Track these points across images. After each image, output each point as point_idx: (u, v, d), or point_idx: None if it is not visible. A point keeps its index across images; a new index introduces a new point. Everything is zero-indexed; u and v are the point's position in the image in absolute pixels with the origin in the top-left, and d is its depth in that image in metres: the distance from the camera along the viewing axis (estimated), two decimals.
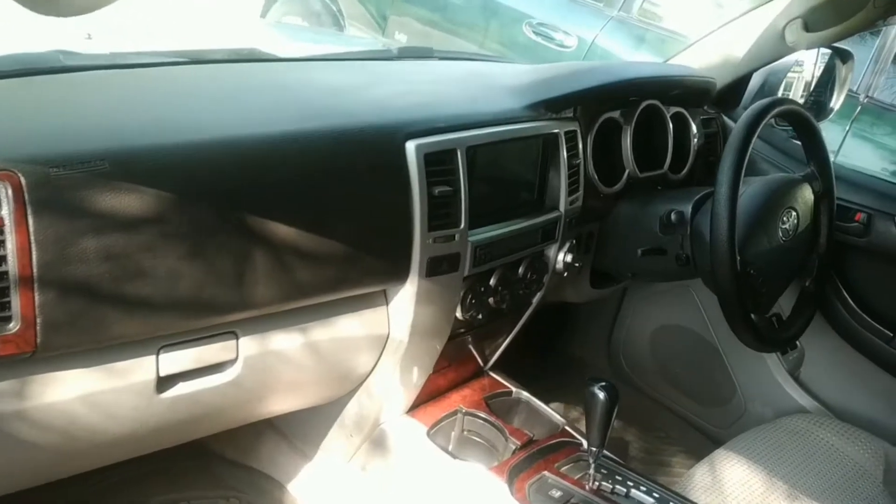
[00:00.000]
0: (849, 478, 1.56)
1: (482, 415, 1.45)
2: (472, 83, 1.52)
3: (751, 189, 1.50)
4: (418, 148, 1.15)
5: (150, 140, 0.92)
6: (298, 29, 3.64)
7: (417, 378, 1.37)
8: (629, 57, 3.47)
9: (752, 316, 1.45)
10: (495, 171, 1.32)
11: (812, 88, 2.13)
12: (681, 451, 2.08)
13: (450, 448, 1.42)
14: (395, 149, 1.14)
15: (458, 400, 1.49)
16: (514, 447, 1.39)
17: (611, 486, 1.31)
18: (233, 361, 1.07)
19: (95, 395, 0.94)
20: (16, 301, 0.82)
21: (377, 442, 1.41)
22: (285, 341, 1.12)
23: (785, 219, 1.50)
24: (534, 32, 3.65)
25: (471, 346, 1.53)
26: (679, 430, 2.14)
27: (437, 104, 1.26)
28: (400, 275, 1.19)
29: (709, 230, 1.42)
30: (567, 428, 1.48)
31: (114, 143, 0.89)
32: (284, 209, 1.02)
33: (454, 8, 4.13)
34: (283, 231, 1.02)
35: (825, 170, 1.59)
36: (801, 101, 2.09)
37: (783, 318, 1.61)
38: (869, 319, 1.80)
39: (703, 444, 1.98)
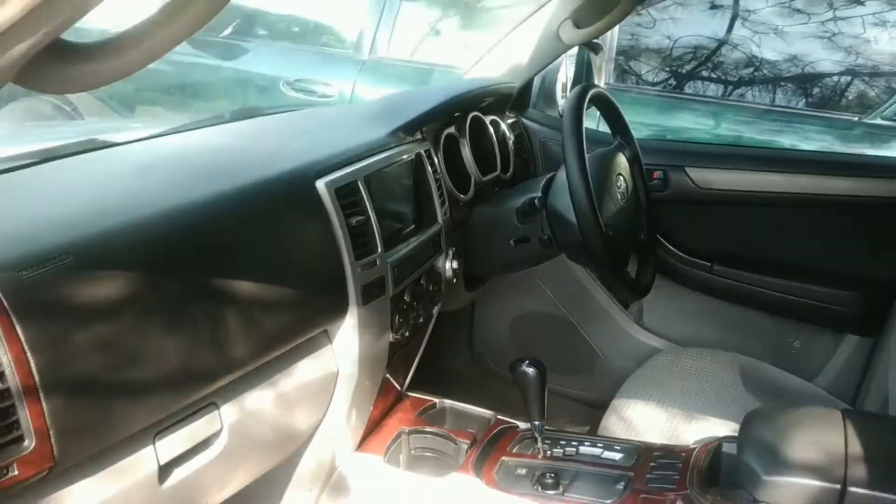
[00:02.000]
0: (717, 389, 1.81)
1: (425, 429, 1.50)
2: (334, 124, 1.59)
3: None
4: (328, 184, 1.20)
5: (102, 224, 0.89)
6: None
7: (366, 410, 1.39)
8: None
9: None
10: (385, 196, 1.40)
11: (572, 82, 2.44)
12: (570, 423, 2.26)
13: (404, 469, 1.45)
14: (308, 189, 1.18)
15: (395, 425, 1.53)
16: (465, 447, 1.46)
17: (561, 451, 1.44)
18: (218, 433, 1.04)
19: (109, 502, 0.88)
20: (24, 416, 0.75)
21: (337, 486, 1.41)
22: (258, 400, 1.10)
23: (618, 184, 1.73)
24: (293, 89, 3.74)
25: (388, 375, 1.58)
26: (560, 407, 2.32)
27: (324, 145, 1.32)
28: (341, 307, 1.22)
29: (564, 208, 1.61)
30: (499, 417, 1.58)
31: (70, 235, 0.85)
32: (235, 267, 1.03)
33: (204, 86, 4.10)
34: (239, 288, 1.02)
35: (629, 139, 1.87)
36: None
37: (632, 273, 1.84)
38: (688, 257, 2.12)
39: (588, 411, 2.17)
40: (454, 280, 1.63)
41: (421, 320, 1.49)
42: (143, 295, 0.89)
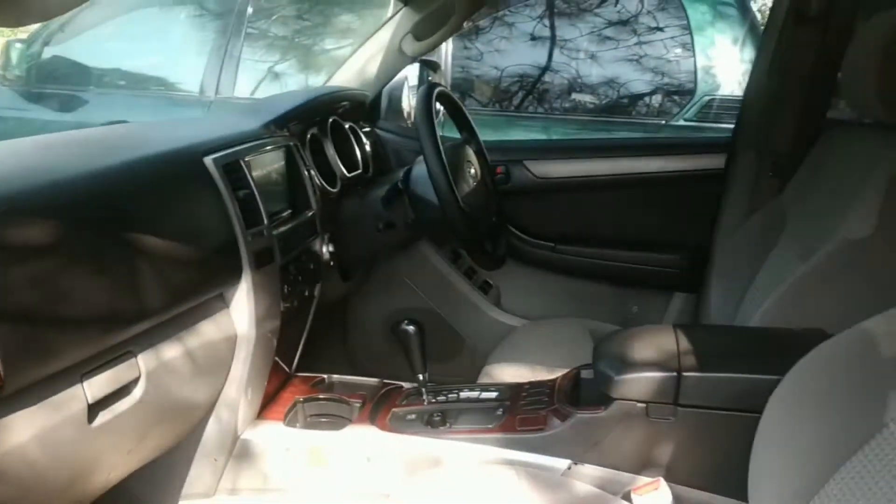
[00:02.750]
0: (572, 350, 2.03)
1: (318, 396, 1.62)
2: (214, 119, 1.71)
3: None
4: (215, 161, 1.33)
5: (23, 184, 0.98)
6: None
7: (263, 377, 1.49)
8: None
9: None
10: (265, 179, 1.52)
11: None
12: None
13: None
14: (198, 164, 1.31)
15: (289, 397, 1.63)
16: (357, 406, 1.59)
17: (445, 398, 1.60)
18: (137, 380, 1.12)
19: (46, 434, 0.94)
20: None
21: (240, 454, 1.48)
22: (170, 351, 1.19)
23: (470, 171, 1.95)
24: None
25: (276, 358, 1.68)
26: None
27: (208, 132, 1.44)
28: (236, 271, 1.33)
29: (425, 192, 1.80)
30: (385, 381, 1.72)
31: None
32: (139, 227, 1.13)
33: None
34: (144, 245, 1.12)
35: (474, 134, 2.10)
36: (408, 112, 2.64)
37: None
38: (534, 240, 2.37)
39: None
40: (331, 263, 1.77)
41: (306, 294, 1.61)
42: (65, 244, 0.98)
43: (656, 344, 1.41)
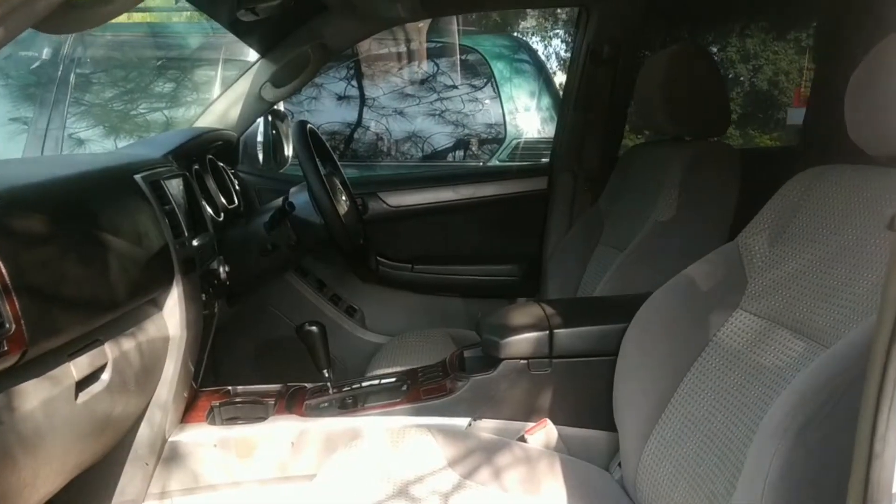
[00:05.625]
0: (439, 353, 2.26)
1: (234, 399, 1.75)
2: (124, 149, 1.81)
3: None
4: (144, 178, 1.48)
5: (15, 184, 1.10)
6: None
7: (188, 380, 1.61)
8: None
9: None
10: (176, 201, 1.67)
11: (272, 145, 2.89)
12: None
13: None
14: (130, 180, 1.45)
15: (204, 405, 1.74)
16: (272, 403, 1.74)
17: (349, 388, 1.80)
18: (105, 366, 1.23)
19: (48, 404, 1.05)
20: (4, 308, 0.95)
21: (169, 457, 1.58)
22: (127, 343, 1.31)
23: (340, 196, 2.19)
24: None
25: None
26: None
27: (127, 157, 1.58)
28: (170, 274, 1.47)
29: (307, 214, 2.02)
30: (288, 384, 1.87)
31: None
32: (89, 232, 1.26)
33: None
34: (94, 250, 1.25)
35: (337, 167, 2.35)
36: (262, 157, 2.85)
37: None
38: (393, 263, 2.64)
39: None
40: (227, 283, 1.91)
41: (215, 308, 1.76)
42: (45, 237, 1.11)
43: (529, 312, 1.72)
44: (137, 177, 1.47)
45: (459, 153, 4.01)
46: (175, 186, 1.68)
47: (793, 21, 4.18)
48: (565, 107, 2.67)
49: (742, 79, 6.15)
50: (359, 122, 4.05)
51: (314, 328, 1.76)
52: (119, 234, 1.29)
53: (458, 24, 3.88)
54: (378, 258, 2.61)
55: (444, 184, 2.67)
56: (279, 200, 2.14)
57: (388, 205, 2.61)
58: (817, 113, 2.94)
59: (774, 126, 5.69)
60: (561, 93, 3.26)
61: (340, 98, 4.04)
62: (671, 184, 1.93)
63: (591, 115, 2.54)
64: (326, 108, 4.02)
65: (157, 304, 1.50)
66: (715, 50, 4.44)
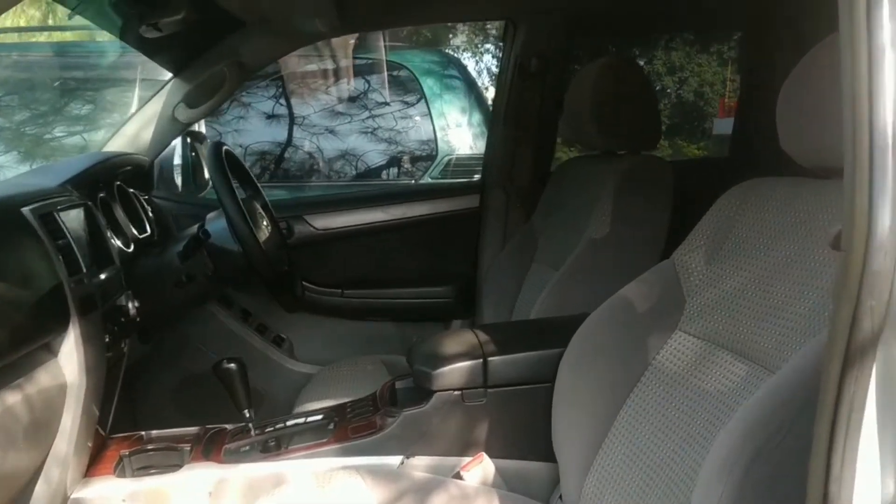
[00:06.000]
0: (373, 383, 2.16)
1: (146, 447, 1.60)
2: (18, 179, 1.66)
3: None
4: (33, 211, 1.34)
5: None
6: None
7: (92, 429, 1.46)
8: None
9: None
10: (74, 234, 1.53)
11: (192, 168, 2.76)
12: None
13: None
14: (17, 214, 1.31)
15: (113, 455, 1.60)
16: (187, 450, 1.60)
17: (273, 428, 1.68)
18: None
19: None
20: None
21: None
22: (11, 396, 1.17)
23: (261, 221, 2.07)
24: None
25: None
26: None
27: (17, 187, 1.43)
28: (64, 316, 1.33)
29: (224, 241, 1.90)
30: (207, 426, 1.74)
31: None
32: None
33: None
34: None
35: (258, 190, 2.23)
36: (181, 181, 2.71)
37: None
38: (322, 289, 2.52)
39: None
40: (137, 319, 1.77)
41: (122, 347, 1.62)
42: None
43: (462, 340, 1.63)
44: (25, 210, 1.33)
45: (392, 171, 3.92)
46: (73, 218, 1.54)
47: (715, 33, 4.24)
48: (495, 122, 2.60)
49: (669, 91, 6.25)
50: (288, 142, 3.93)
51: (232, 365, 1.63)
52: (0, 276, 1.15)
53: (384, 40, 3.80)
54: (305, 284, 2.49)
55: (373, 204, 2.57)
56: (195, 228, 2.01)
57: (314, 228, 2.50)
58: (745, 123, 2.96)
59: (701, 136, 5.79)
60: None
61: (269, 117, 3.90)
62: (604, 199, 1.88)
63: (520, 129, 2.48)
64: (254, 128, 3.87)
65: (52, 350, 1.36)
66: (642, 63, 4.47)
